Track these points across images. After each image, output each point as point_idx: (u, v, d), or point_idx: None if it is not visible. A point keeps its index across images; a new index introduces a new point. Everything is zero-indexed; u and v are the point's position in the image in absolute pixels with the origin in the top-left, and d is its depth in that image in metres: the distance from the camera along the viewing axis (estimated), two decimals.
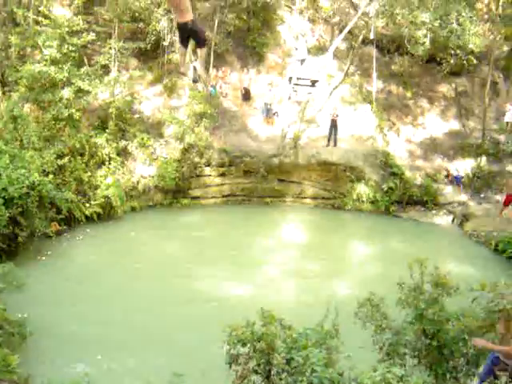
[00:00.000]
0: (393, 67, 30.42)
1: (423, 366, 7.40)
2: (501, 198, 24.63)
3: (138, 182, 23.98)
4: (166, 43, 26.14)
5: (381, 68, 30.24)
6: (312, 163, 25.72)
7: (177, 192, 24.68)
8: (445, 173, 26.86)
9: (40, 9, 23.01)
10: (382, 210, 25.30)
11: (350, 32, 29.25)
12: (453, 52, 27.99)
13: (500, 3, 27.41)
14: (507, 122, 27.99)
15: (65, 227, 20.32)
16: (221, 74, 28.09)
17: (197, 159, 24.84)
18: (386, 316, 7.52)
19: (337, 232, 23.03)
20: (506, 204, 23.21)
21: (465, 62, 27.69)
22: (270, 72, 29.34)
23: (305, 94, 28.12)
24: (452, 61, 28.33)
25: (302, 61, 28.62)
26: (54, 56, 21.70)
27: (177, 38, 26.08)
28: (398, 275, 7.80)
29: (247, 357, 7.40)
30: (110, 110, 23.64)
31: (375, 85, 28.69)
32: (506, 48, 30.27)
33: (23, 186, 16.95)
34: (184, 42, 6.14)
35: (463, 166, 27.10)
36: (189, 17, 5.76)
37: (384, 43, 30.72)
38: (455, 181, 26.40)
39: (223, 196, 25.85)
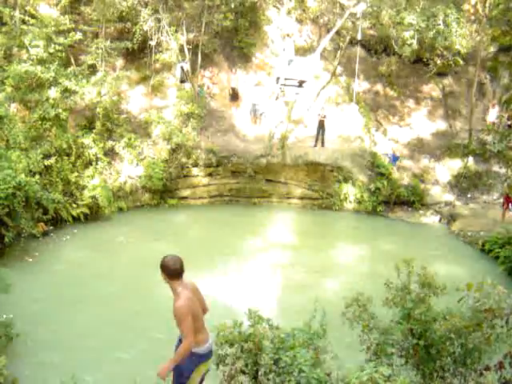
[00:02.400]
0: (380, 68, 30.55)
1: (410, 366, 7.42)
2: (487, 198, 24.81)
3: (125, 183, 23.94)
4: (153, 43, 26.07)
5: (368, 68, 30.40)
6: (299, 163, 25.76)
7: (164, 192, 24.65)
8: (391, 151, 27.20)
9: (27, 8, 22.89)
10: (369, 210, 25.42)
11: (337, 33, 29.39)
12: (440, 53, 28.14)
13: (487, 4, 27.59)
14: (493, 122, 28.17)
15: (51, 228, 20.27)
16: (208, 74, 28.08)
17: (184, 159, 24.83)
18: (374, 316, 7.53)
19: (324, 232, 23.06)
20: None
21: (451, 62, 27.81)
22: (257, 72, 29.38)
23: (292, 95, 28.18)
24: (439, 61, 28.47)
25: (290, 61, 28.66)
26: (41, 55, 21.60)
27: (164, 38, 26.06)
28: (386, 275, 7.81)
29: (235, 357, 7.40)
30: (97, 110, 23.57)
31: (356, 84, 28.79)
32: (492, 49, 30.51)
33: (9, 187, 16.80)
34: None
35: (450, 166, 27.29)
36: None
37: (371, 44, 30.93)
38: (391, 159, 26.64)
39: (211, 196, 25.85)
